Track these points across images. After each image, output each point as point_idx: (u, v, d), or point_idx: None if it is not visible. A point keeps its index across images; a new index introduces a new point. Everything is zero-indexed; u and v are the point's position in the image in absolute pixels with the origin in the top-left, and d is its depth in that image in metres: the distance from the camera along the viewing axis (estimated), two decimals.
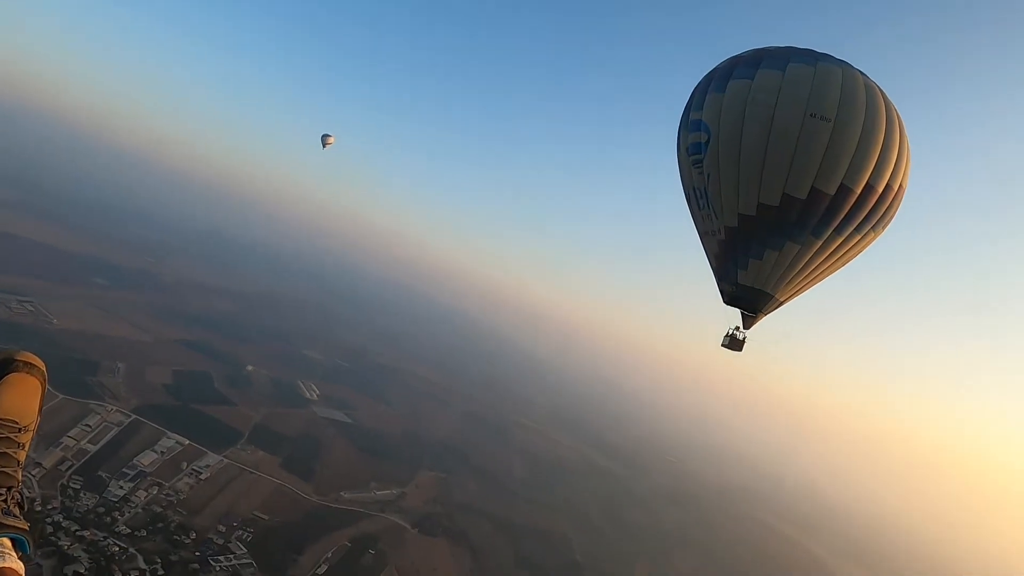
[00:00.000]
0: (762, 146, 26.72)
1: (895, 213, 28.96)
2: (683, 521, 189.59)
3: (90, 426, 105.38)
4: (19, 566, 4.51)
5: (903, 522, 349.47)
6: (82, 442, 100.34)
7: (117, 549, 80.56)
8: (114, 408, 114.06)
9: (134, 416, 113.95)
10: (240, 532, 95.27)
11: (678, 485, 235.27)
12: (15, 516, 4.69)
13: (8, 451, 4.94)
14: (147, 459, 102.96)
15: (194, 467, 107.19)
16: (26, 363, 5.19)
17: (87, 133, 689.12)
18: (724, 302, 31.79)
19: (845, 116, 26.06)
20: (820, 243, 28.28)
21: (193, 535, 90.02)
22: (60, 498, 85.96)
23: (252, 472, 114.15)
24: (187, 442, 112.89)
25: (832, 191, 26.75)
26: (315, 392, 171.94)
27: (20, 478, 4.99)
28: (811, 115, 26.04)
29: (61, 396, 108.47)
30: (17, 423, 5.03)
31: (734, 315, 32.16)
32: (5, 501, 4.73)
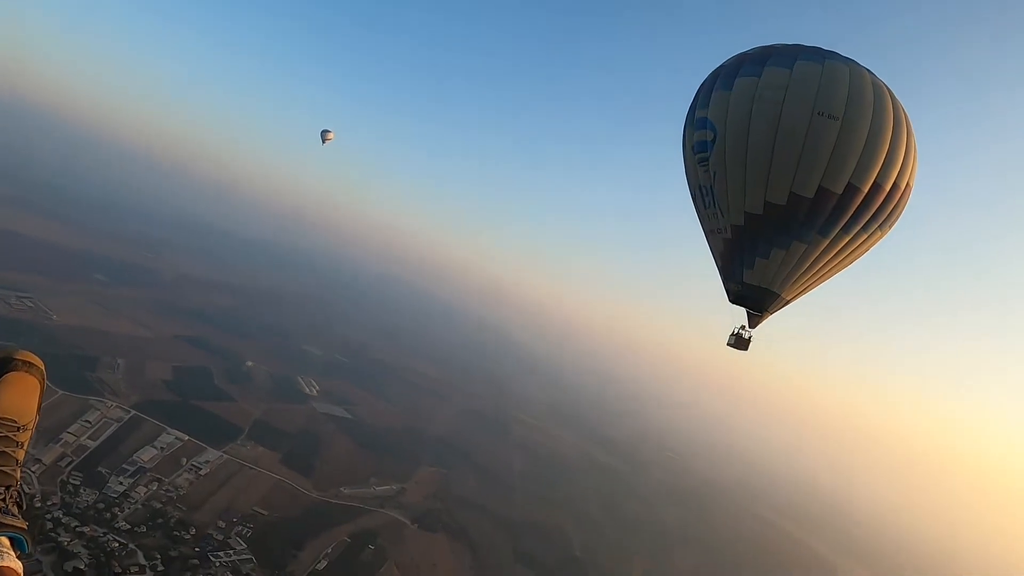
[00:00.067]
0: (769, 144, 26.55)
1: (902, 212, 28.82)
2: (683, 517, 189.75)
3: (90, 422, 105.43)
4: (18, 565, 4.51)
5: (905, 519, 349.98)
6: (82, 438, 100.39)
7: (117, 545, 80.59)
8: (114, 404, 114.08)
9: (134, 412, 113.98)
10: (240, 528, 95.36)
11: (678, 481, 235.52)
12: (14, 515, 4.70)
13: (7, 450, 4.94)
14: (147, 455, 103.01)
15: (194, 463, 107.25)
16: (25, 362, 5.19)
17: (86, 129, 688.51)
18: (730, 301, 31.63)
19: (853, 114, 25.87)
20: (827, 242, 28.15)
21: (193, 531, 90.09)
22: (60, 494, 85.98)
23: (252, 468, 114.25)
24: (187, 438, 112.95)
25: (839, 190, 26.59)
26: (315, 388, 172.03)
27: (19, 477, 4.99)
28: (819, 113, 25.84)
29: (61, 392, 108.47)
30: (16, 422, 5.03)
31: (739, 313, 32.09)
32: (4, 500, 4.73)
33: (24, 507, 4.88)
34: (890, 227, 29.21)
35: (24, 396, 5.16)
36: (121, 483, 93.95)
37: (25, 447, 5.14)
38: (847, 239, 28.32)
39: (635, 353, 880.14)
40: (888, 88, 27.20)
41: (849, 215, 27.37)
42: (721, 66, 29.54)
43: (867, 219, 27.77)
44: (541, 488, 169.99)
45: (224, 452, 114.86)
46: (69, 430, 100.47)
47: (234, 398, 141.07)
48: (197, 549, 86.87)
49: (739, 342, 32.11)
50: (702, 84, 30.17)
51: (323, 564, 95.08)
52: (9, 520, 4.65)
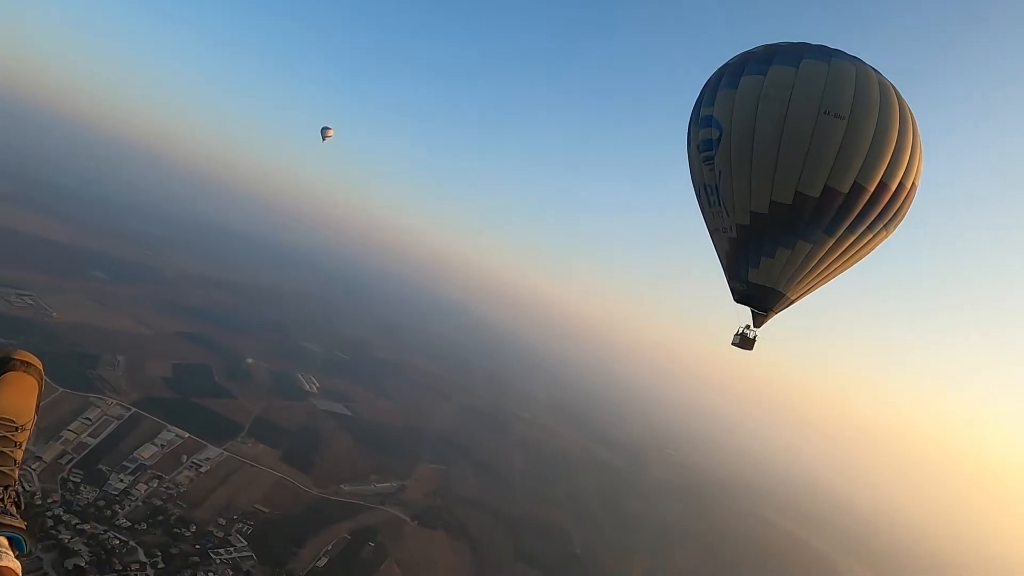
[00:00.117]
0: (775, 143, 26.43)
1: (907, 211, 28.75)
2: (684, 515, 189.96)
3: (90, 419, 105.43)
4: (16, 565, 4.51)
5: (908, 519, 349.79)
6: (82, 436, 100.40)
7: (117, 542, 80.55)
8: (114, 401, 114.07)
9: (134, 409, 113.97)
10: (240, 525, 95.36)
11: (679, 479, 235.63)
12: (12, 515, 4.71)
13: (5, 450, 4.96)
14: (147, 452, 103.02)
15: (194, 460, 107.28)
16: (23, 362, 5.22)
17: (86, 127, 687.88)
18: (734, 300, 31.52)
19: (859, 113, 25.77)
20: (833, 241, 28.07)
21: (193, 528, 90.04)
22: (60, 492, 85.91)
23: (252, 465, 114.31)
24: (187, 435, 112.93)
25: (846, 189, 26.48)
26: (315, 385, 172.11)
27: (17, 477, 5.00)
28: (825, 112, 25.73)
29: (61, 390, 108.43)
30: (14, 422, 5.05)
31: (743, 312, 31.99)
32: (2, 500, 4.74)
33: (23, 507, 4.88)
34: (895, 226, 29.11)
35: (22, 396, 5.18)
36: (121, 480, 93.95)
37: (23, 447, 5.14)
38: (853, 238, 28.22)
39: (637, 351, 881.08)
40: (894, 87, 27.10)
41: (855, 214, 27.28)
42: (726, 64, 29.39)
43: (873, 218, 27.68)
44: (541, 486, 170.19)
45: (224, 449, 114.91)
46: (69, 427, 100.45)
47: (234, 395, 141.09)
48: (197, 546, 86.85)
49: (744, 342, 32.00)
50: (707, 82, 30.01)
51: (323, 561, 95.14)
52: (8, 520, 4.66)
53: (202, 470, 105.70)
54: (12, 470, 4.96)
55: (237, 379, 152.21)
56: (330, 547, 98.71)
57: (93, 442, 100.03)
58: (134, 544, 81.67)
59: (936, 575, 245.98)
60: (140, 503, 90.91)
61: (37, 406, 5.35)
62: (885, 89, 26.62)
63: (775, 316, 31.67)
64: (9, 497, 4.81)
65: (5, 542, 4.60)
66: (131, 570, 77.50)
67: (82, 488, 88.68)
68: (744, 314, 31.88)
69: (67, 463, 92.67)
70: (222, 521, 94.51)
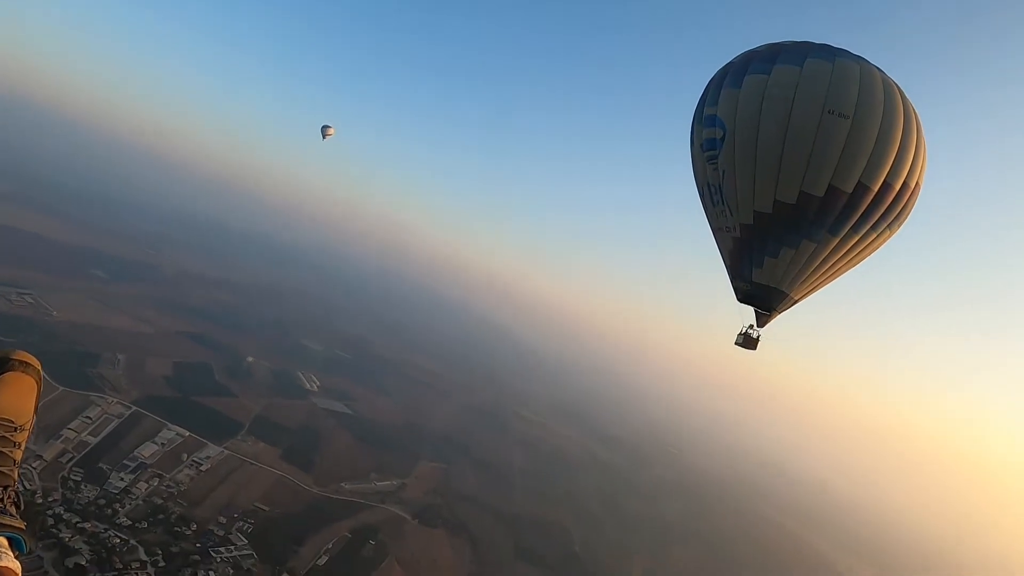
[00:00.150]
0: (779, 143, 26.36)
1: (911, 211, 28.71)
2: (684, 514, 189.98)
3: (91, 418, 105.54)
4: (16, 565, 4.51)
5: (908, 518, 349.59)
6: (83, 434, 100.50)
7: (118, 541, 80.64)
8: (115, 400, 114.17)
9: (135, 408, 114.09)
10: (241, 523, 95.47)
11: (680, 478, 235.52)
12: (12, 515, 4.72)
13: (4, 450, 4.97)
14: (148, 451, 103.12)
15: (195, 458, 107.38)
16: (22, 362, 5.23)
17: (86, 125, 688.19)
18: (738, 300, 31.45)
19: (863, 113, 25.70)
20: (837, 241, 28.03)
21: (194, 526, 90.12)
22: (61, 490, 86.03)
23: (252, 463, 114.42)
24: (187, 433, 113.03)
25: (850, 189, 26.43)
26: (315, 383, 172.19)
27: (16, 477, 5.01)
28: (829, 112, 25.66)
29: (61, 388, 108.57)
30: (13, 422, 5.06)
31: (746, 312, 31.91)
32: (2, 500, 4.75)
33: (22, 507, 4.89)
34: (899, 226, 29.06)
35: (21, 396, 5.18)
36: (122, 479, 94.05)
37: (23, 447, 5.15)
38: (857, 238, 28.18)
39: (639, 351, 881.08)
40: (898, 86, 27.04)
41: (859, 214, 27.24)
42: (730, 63, 29.29)
43: (877, 218, 27.63)
44: (541, 484, 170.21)
45: (225, 448, 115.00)
46: (70, 426, 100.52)
47: (235, 394, 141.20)
48: (198, 545, 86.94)
49: (747, 341, 31.94)
50: (710, 81, 29.90)
51: (324, 559, 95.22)
52: (7, 520, 4.66)
53: (203, 468, 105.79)
54: (11, 470, 4.96)
55: (237, 377, 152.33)
56: (330, 545, 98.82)
57: (94, 441, 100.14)
58: (135, 543, 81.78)
59: (937, 574, 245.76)
60: (141, 501, 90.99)
61: (36, 406, 5.36)
62: (889, 88, 26.56)
63: (778, 316, 31.63)
64: (9, 497, 4.81)
65: (5, 542, 4.61)
66: (132, 569, 77.60)
67: (83, 487, 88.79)
68: (747, 314, 31.82)
69: (68, 462, 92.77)
70: (223, 519, 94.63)
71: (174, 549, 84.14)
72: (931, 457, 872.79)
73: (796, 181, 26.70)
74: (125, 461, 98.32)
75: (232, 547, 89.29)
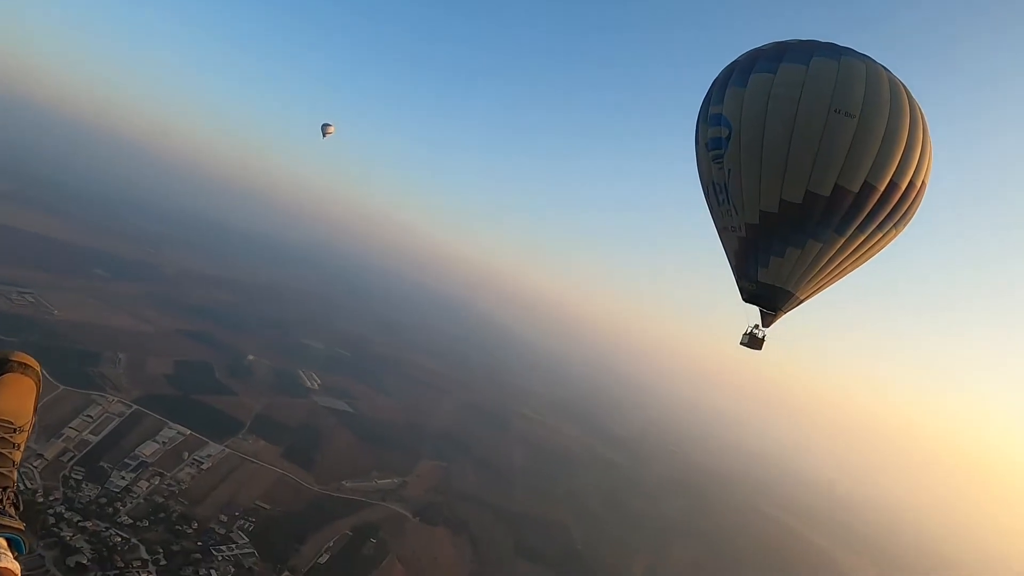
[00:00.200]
0: (785, 142, 26.30)
1: (916, 210, 28.64)
2: (685, 512, 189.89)
3: (92, 417, 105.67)
4: (15, 566, 4.50)
5: (912, 516, 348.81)
6: (84, 433, 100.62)
7: (119, 539, 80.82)
8: (115, 399, 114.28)
9: (135, 406, 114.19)
10: (242, 522, 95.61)
11: (682, 476, 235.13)
12: (11, 516, 4.73)
13: (3, 451, 4.98)
14: (149, 449, 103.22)
15: (195, 457, 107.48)
16: (21, 363, 5.25)
17: (86, 124, 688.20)
18: (743, 299, 31.38)
19: (870, 112, 25.63)
20: (843, 241, 27.98)
21: (195, 525, 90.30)
22: (62, 489, 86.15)
23: (253, 462, 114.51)
24: (188, 432, 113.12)
25: (856, 188, 26.35)
26: (316, 381, 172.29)
27: (16, 478, 5.02)
28: (835, 111, 25.58)
29: (62, 387, 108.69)
30: (12, 424, 5.08)
31: (751, 311, 31.79)
32: (1, 502, 4.76)
33: (21, 508, 4.90)
34: (905, 225, 29.00)
35: (20, 398, 5.20)
36: (123, 478, 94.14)
37: (22, 448, 5.17)
38: (863, 238, 28.12)
39: (641, 350, 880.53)
40: (904, 85, 26.99)
41: (865, 214, 27.17)
42: (735, 61, 29.19)
43: (883, 218, 27.57)
44: (542, 482, 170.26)
45: (226, 446, 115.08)
46: (71, 425, 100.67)
47: (235, 392, 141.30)
48: (199, 543, 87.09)
49: (753, 341, 31.83)
50: (716, 79, 29.80)
51: (325, 558, 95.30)
52: (7, 521, 4.67)
53: (203, 467, 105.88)
54: (11, 471, 4.98)
55: (238, 376, 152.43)
56: (332, 543, 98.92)
57: (94, 439, 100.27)
58: (136, 541, 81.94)
59: (939, 573, 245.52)
60: (142, 500, 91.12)
61: (35, 408, 5.38)
62: (895, 87, 26.50)
63: (784, 316, 31.58)
64: (8, 498, 4.83)
65: (4, 543, 4.60)
66: (133, 567, 77.79)
67: (84, 485, 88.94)
68: (752, 313, 31.72)
69: (69, 460, 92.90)
70: (224, 518, 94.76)
71: (175, 548, 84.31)
72: (935, 456, 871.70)
73: (802, 180, 26.63)
74: (126, 460, 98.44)
75: (233, 545, 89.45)
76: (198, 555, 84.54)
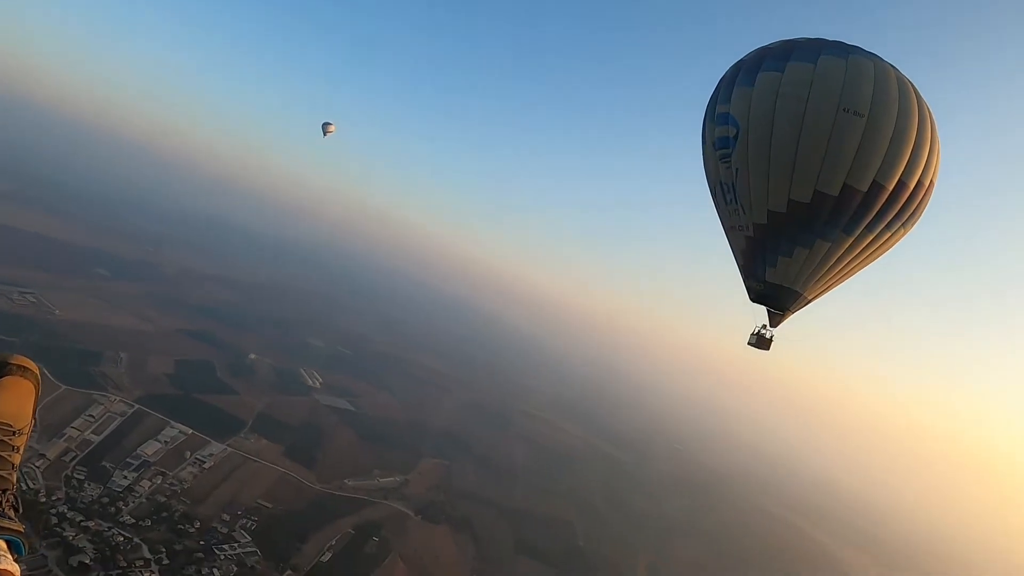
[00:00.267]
0: (793, 141, 26.13)
1: (924, 209, 28.48)
2: (688, 509, 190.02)
3: (93, 416, 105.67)
4: (15, 568, 4.52)
5: (916, 515, 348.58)
6: (86, 432, 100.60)
7: (122, 539, 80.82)
8: (117, 398, 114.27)
9: (137, 406, 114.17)
10: (244, 520, 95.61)
11: (685, 474, 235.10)
12: (10, 518, 4.77)
13: (3, 454, 5.02)
14: (151, 449, 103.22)
15: (197, 456, 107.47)
16: (19, 366, 5.29)
17: (86, 124, 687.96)
18: (751, 299, 31.24)
19: (878, 111, 25.45)
20: (851, 240, 27.83)
21: (197, 524, 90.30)
22: (64, 489, 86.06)
23: (255, 460, 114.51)
24: (190, 431, 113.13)
25: (864, 188, 26.20)
26: (317, 380, 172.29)
27: (15, 481, 5.07)
28: (844, 110, 25.40)
29: (64, 387, 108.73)
30: (11, 426, 5.12)
31: (759, 311, 31.67)
32: (0, 504, 4.81)
33: (20, 510, 4.94)
34: (913, 224, 28.86)
35: (19, 400, 5.24)
36: (125, 477, 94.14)
37: (21, 451, 5.20)
38: (871, 237, 27.98)
39: (645, 348, 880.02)
40: (912, 84, 26.81)
41: (874, 213, 27.02)
42: (742, 60, 28.99)
43: (891, 217, 27.42)
44: (544, 480, 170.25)
45: (228, 445, 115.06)
46: (73, 425, 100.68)
47: (237, 391, 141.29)
48: (202, 542, 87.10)
49: (760, 342, 31.71)
50: (723, 78, 29.60)
51: (327, 556, 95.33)
52: (6, 523, 4.71)
53: (205, 466, 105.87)
54: (10, 474, 5.01)
55: (240, 375, 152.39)
56: (334, 542, 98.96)
57: (96, 439, 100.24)
58: (138, 541, 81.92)
59: (942, 571, 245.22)
60: (144, 500, 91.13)
61: (34, 410, 5.42)
62: (903, 86, 26.32)
63: (791, 316, 31.40)
64: (7, 500, 4.86)
65: (4, 545, 4.61)
66: (135, 567, 77.77)
67: (86, 485, 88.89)
68: (760, 314, 31.58)
69: (71, 460, 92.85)
70: (226, 517, 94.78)
71: (178, 547, 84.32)
72: (943, 455, 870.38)
73: (811, 180, 26.47)
74: (128, 459, 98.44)
75: (236, 544, 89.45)
76: (200, 554, 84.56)
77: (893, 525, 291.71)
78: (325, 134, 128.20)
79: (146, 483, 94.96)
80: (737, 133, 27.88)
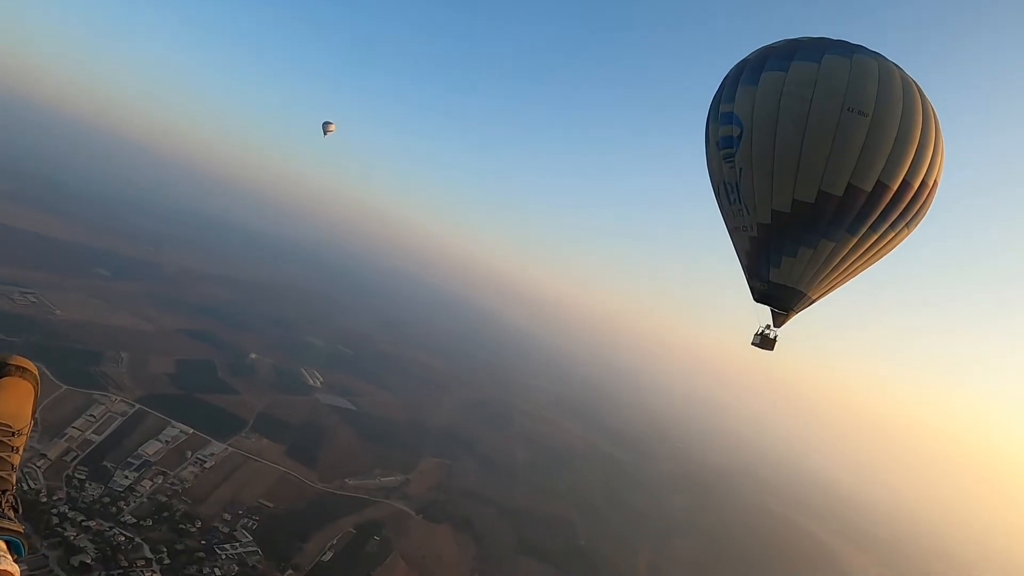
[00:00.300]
0: (798, 141, 26.03)
1: (928, 209, 28.40)
2: (689, 508, 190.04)
3: (94, 416, 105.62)
4: (15, 569, 4.53)
5: (916, 514, 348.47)
6: (87, 432, 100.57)
7: (123, 539, 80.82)
8: (118, 398, 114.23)
9: (138, 406, 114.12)
10: (245, 520, 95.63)
11: (685, 473, 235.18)
12: (10, 519, 4.79)
13: (2, 455, 5.04)
14: (152, 448, 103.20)
15: (198, 456, 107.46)
16: (18, 367, 5.32)
17: (86, 124, 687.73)
18: (754, 299, 31.15)
19: (882, 110, 25.35)
20: (855, 240, 27.74)
21: (198, 524, 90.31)
22: (65, 489, 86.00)
23: (256, 460, 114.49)
24: (191, 431, 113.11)
25: (869, 188, 26.11)
26: (318, 379, 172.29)
27: (15, 482, 5.09)
28: (848, 109, 25.29)
29: (65, 387, 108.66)
30: (11, 427, 5.14)
31: (762, 311, 31.57)
32: (0, 504, 4.82)
33: (20, 511, 4.95)
34: (916, 224, 28.74)
35: (19, 401, 5.26)
36: (126, 477, 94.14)
37: (20, 452, 5.22)
38: (875, 237, 27.88)
39: (646, 347, 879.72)
40: (916, 83, 26.70)
41: (878, 213, 26.92)
42: (746, 59, 28.86)
43: (895, 217, 27.32)
44: (545, 479, 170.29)
45: (229, 445, 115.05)
46: (74, 425, 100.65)
47: (238, 391, 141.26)
48: (203, 542, 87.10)
49: (764, 342, 31.58)
50: (726, 77, 29.46)
51: (328, 556, 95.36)
52: (6, 524, 4.72)
53: (206, 466, 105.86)
54: (10, 475, 5.02)
55: (240, 375, 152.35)
56: (335, 541, 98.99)
57: (97, 439, 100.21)
58: (139, 540, 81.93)
59: (942, 571, 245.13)
60: (145, 499, 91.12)
61: (34, 411, 5.45)
62: (908, 86, 26.23)
63: (795, 316, 31.31)
64: (7, 501, 4.87)
65: (3, 546, 4.61)
66: (137, 566, 77.77)
67: (87, 485, 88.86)
68: (764, 313, 31.47)
69: (72, 460, 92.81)
70: (227, 516, 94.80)
71: (179, 546, 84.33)
72: (944, 455, 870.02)
73: (815, 180, 26.37)
74: (129, 459, 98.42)
75: (237, 544, 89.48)
76: (202, 554, 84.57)
77: (894, 524, 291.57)
78: (325, 133, 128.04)
79: (147, 483, 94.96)
80: (741, 132, 27.77)
